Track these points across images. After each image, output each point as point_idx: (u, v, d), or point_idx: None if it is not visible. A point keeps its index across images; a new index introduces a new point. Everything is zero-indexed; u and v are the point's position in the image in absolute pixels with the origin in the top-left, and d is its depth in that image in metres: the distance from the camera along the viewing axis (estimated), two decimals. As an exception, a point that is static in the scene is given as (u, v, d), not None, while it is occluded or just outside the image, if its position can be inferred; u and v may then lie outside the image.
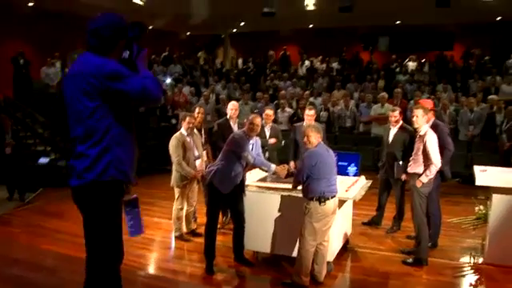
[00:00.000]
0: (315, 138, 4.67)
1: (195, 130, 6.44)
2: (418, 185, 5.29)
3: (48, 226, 7.10)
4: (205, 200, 5.50)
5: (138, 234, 3.06)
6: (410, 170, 5.45)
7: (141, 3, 13.48)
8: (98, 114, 2.67)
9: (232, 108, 6.77)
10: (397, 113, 6.54)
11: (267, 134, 6.99)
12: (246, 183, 5.41)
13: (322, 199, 4.50)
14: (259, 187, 5.43)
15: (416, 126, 5.38)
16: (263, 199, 5.33)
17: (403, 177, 6.21)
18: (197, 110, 6.65)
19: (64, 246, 6.12)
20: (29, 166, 9.33)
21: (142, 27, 2.84)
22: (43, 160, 9.36)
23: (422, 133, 5.31)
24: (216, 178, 5.03)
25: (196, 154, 6.25)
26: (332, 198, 4.58)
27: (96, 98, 2.66)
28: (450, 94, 12.73)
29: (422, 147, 5.27)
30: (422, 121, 5.31)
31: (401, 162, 6.27)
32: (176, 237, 6.31)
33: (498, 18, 15.30)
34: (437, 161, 5.21)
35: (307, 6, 14.26)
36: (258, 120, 5.14)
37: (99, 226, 2.79)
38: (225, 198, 5.11)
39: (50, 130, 10.71)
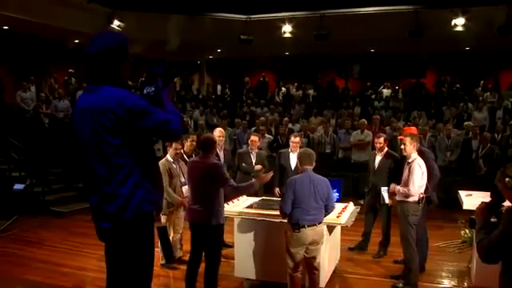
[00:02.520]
0: (304, 164, 4.69)
1: (185, 157, 6.44)
2: (392, 189, 5.44)
3: (26, 254, 6.87)
4: (213, 245, 5.16)
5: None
6: (398, 198, 5.51)
7: (118, 29, 13.45)
8: (123, 151, 2.55)
9: (219, 135, 6.76)
10: (381, 139, 6.67)
11: (253, 160, 7.00)
12: (237, 210, 5.38)
13: (296, 226, 4.52)
14: (247, 214, 5.41)
15: (405, 153, 5.48)
16: (251, 226, 5.32)
17: (389, 202, 6.29)
18: (190, 138, 6.65)
19: (45, 276, 5.95)
20: (3, 192, 9.05)
21: (168, 68, 2.76)
22: (18, 186, 9.07)
23: (410, 160, 5.41)
24: (222, 217, 4.83)
25: (182, 180, 6.20)
26: (309, 226, 4.54)
27: (119, 134, 2.52)
28: (424, 120, 13.06)
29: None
30: (410, 148, 5.42)
31: (386, 188, 6.36)
32: (162, 265, 6.18)
33: (467, 48, 15.92)
34: (412, 190, 5.29)
35: (284, 33, 14.52)
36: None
37: (137, 260, 2.66)
38: None
39: (25, 156, 10.44)
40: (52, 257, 6.70)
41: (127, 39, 2.71)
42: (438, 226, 8.08)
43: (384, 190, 6.25)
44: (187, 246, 6.61)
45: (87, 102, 2.60)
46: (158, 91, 2.71)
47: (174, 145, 6.12)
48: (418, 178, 5.30)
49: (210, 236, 4.71)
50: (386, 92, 16.20)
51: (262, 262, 5.32)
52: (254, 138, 7.08)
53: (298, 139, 6.85)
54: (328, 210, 4.70)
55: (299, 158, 4.77)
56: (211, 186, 4.68)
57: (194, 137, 6.84)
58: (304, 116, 14.38)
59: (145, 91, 2.72)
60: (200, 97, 18.18)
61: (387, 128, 11.73)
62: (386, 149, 6.68)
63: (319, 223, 4.61)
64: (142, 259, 2.69)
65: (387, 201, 6.30)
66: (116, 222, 2.58)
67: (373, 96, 15.95)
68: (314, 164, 4.76)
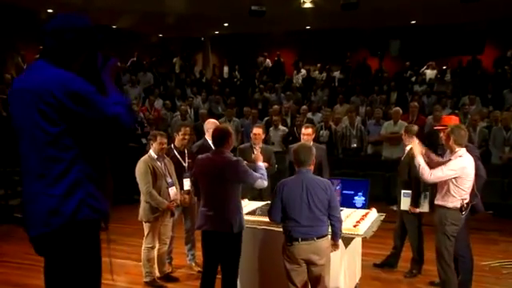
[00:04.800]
0: (300, 163, 4.61)
1: (175, 152, 6.48)
2: (415, 148, 5.42)
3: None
4: (233, 255, 5.26)
5: None
6: (437, 201, 5.43)
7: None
8: (62, 142, 2.53)
9: (211, 127, 6.68)
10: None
11: (257, 156, 6.94)
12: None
13: (288, 239, 4.51)
14: (247, 221, 5.36)
15: (446, 147, 5.46)
16: (253, 235, 5.32)
17: (409, 208, 6.26)
18: (182, 130, 6.61)
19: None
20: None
21: (104, 31, 2.74)
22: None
23: (452, 157, 5.31)
24: (243, 221, 4.92)
25: (169, 180, 6.19)
26: (304, 240, 4.45)
27: (58, 122, 2.50)
28: (478, 107, 12.85)
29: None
30: (447, 142, 5.35)
31: (408, 191, 6.30)
32: (146, 283, 6.17)
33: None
34: (428, 176, 5.26)
35: (304, 3, 14.39)
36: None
37: (76, 276, 2.63)
38: None
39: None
40: (11, 275, 6.66)
41: (91, 22, 2.72)
42: (490, 239, 8.01)
43: (404, 194, 6.14)
44: (179, 261, 6.71)
45: (25, 81, 2.61)
46: (96, 68, 2.67)
47: (158, 138, 6.12)
48: (447, 172, 5.20)
49: (229, 245, 4.81)
50: (430, 73, 16.05)
51: (266, 276, 5.36)
52: (257, 130, 7.02)
53: (309, 130, 6.78)
54: (332, 221, 4.57)
55: (293, 155, 4.69)
56: (229, 186, 4.77)
57: (187, 129, 6.78)
58: (327, 104, 14.30)
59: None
60: (203, 80, 18.25)
61: (429, 118, 11.56)
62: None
63: (319, 237, 4.48)
64: (83, 278, 2.65)
65: (404, 206, 6.25)
66: (47, 228, 2.54)
67: (413, 78, 15.79)
68: (314, 162, 4.68)
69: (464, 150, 5.31)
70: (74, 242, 2.58)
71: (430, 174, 5.27)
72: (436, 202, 5.46)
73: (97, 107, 2.48)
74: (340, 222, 4.64)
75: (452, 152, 5.36)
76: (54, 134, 2.51)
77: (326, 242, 4.55)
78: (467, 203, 5.29)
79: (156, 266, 6.29)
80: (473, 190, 5.36)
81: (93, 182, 2.62)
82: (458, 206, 5.25)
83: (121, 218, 8.75)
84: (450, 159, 5.33)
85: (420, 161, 5.37)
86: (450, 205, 5.27)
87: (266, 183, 4.98)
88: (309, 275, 4.58)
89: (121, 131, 2.59)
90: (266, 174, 5.07)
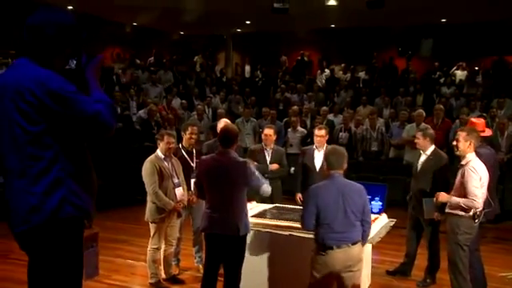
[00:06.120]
0: (331, 167, 4.55)
1: (183, 152, 6.59)
2: (442, 199, 5.37)
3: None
4: (238, 259, 5.14)
5: (95, 275, 3.07)
6: (448, 209, 5.41)
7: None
8: (42, 140, 2.59)
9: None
10: (420, 134, 6.58)
11: (267, 158, 6.99)
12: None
13: (321, 247, 4.42)
14: (258, 224, 5.46)
15: (456, 152, 5.41)
16: (263, 239, 5.40)
17: (435, 216, 6.11)
18: (189, 129, 6.72)
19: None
20: None
21: (85, 28, 2.77)
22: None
23: (463, 162, 5.29)
24: (249, 224, 5.02)
25: (176, 181, 6.28)
26: (339, 248, 4.38)
27: (38, 121, 2.55)
28: (509, 110, 12.66)
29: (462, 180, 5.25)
30: (465, 146, 5.29)
31: (429, 199, 6.19)
32: (151, 284, 6.25)
33: None
34: (474, 198, 5.13)
35: (328, 0, 14.38)
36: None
37: (57, 273, 2.70)
38: None
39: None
40: (16, 272, 6.60)
41: (75, 19, 2.77)
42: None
43: (426, 202, 6.06)
44: (186, 263, 6.79)
45: (5, 78, 2.66)
46: (79, 66, 2.73)
47: (165, 138, 6.20)
48: (477, 184, 5.15)
49: (234, 248, 4.88)
50: (460, 74, 15.86)
51: (270, 281, 5.43)
52: (268, 131, 7.06)
53: (323, 132, 6.83)
54: (364, 226, 4.56)
55: (325, 158, 4.65)
56: (235, 187, 4.85)
57: (194, 128, 6.87)
58: (351, 105, 14.26)
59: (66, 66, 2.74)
60: (224, 79, 18.33)
61: (456, 122, 11.41)
62: (433, 147, 6.52)
63: (353, 243, 4.44)
64: (64, 275, 2.71)
65: (429, 215, 6.10)
66: (26, 225, 2.62)
67: (441, 80, 15.64)
68: (346, 167, 4.60)
69: (473, 154, 5.30)
70: (55, 240, 2.65)
71: (473, 201, 5.16)
72: (447, 210, 5.45)
73: (77, 106, 2.55)
74: (370, 227, 4.68)
75: (463, 157, 5.33)
76: (33, 133, 2.57)
77: (359, 248, 4.52)
78: (480, 211, 5.25)
79: (162, 267, 6.36)
80: (486, 197, 5.32)
81: (75, 180, 2.67)
82: (471, 213, 5.21)
83: (136, 218, 8.87)
84: (463, 170, 5.27)
85: (455, 200, 5.29)
86: (462, 212, 5.25)
87: (270, 190, 5.04)
88: (343, 282, 4.50)
89: (101, 129, 2.65)
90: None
